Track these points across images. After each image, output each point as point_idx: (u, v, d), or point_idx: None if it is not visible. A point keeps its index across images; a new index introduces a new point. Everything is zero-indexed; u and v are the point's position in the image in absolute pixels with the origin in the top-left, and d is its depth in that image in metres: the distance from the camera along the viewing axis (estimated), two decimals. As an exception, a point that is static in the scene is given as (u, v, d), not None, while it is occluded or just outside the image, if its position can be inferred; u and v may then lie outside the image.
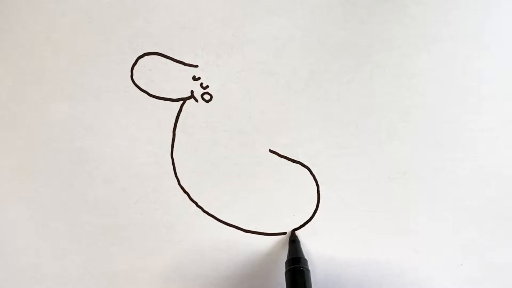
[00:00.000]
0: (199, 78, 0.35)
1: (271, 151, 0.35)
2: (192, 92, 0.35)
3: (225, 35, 0.35)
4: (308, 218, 0.34)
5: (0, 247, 0.34)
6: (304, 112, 0.35)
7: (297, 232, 0.34)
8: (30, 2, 0.35)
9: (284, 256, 0.34)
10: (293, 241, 0.33)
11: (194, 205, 0.35)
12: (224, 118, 0.35)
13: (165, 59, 0.35)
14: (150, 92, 0.35)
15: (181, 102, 0.35)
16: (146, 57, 0.35)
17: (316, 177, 0.35)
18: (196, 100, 0.35)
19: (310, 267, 0.33)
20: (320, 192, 0.34)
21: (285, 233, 0.34)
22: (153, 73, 0.35)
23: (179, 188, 0.35)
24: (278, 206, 0.34)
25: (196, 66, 0.35)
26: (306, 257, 0.33)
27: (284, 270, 0.32)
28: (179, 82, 0.35)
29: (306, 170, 0.35)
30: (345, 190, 0.34)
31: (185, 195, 0.35)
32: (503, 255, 0.34)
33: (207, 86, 0.35)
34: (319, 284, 0.35)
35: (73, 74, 0.35)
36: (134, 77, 0.35)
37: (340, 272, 0.35)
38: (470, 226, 0.34)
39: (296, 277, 0.31)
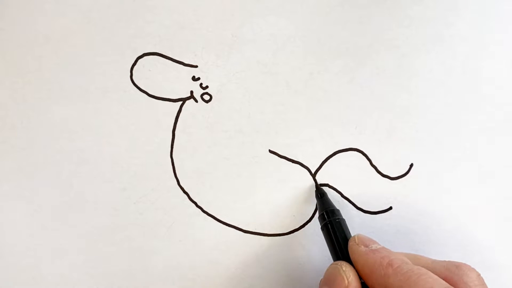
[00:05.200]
0: (198, 79, 0.35)
1: (271, 151, 0.35)
2: (191, 92, 0.35)
3: (225, 35, 0.35)
4: (308, 218, 0.34)
5: (0, 247, 0.34)
6: (304, 112, 0.35)
7: (297, 233, 0.34)
8: (30, 2, 0.35)
9: (284, 256, 0.34)
10: (322, 195, 0.33)
11: (194, 205, 0.35)
12: (223, 118, 0.35)
13: (165, 59, 0.35)
14: (150, 92, 0.35)
15: (181, 102, 0.35)
16: (145, 57, 0.35)
17: (316, 177, 0.35)
18: (196, 101, 0.35)
19: (312, 268, 0.33)
20: (320, 192, 0.34)
21: (285, 233, 0.34)
22: (153, 73, 0.35)
23: (179, 188, 0.35)
24: (278, 206, 0.34)
25: (196, 66, 0.35)
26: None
27: (320, 226, 0.32)
28: (178, 82, 0.35)
29: (306, 170, 0.35)
30: (345, 190, 0.34)
31: (185, 195, 0.35)
32: (503, 255, 0.34)
33: (207, 87, 0.35)
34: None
35: (73, 74, 0.35)
36: (133, 77, 0.35)
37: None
38: (470, 226, 0.34)
39: (335, 229, 0.31)
